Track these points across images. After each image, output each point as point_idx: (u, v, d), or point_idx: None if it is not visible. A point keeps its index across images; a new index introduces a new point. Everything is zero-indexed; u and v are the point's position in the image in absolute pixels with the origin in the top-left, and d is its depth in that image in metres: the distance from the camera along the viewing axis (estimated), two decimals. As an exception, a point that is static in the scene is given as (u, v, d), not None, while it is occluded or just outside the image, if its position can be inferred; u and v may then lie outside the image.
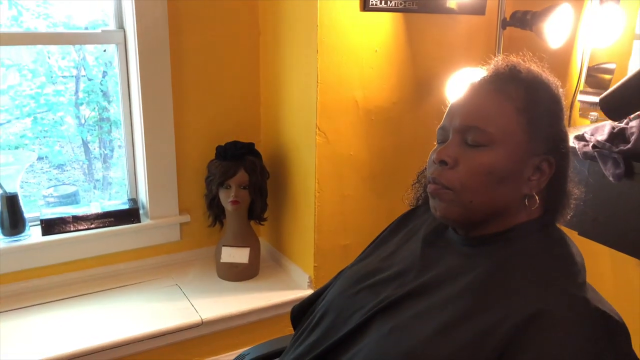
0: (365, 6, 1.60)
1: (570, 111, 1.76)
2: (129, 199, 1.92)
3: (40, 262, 1.71)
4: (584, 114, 1.75)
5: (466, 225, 0.83)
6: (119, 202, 1.89)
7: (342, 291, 0.90)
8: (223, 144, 1.79)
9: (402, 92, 1.74)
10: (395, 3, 1.65)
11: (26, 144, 1.79)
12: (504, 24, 1.70)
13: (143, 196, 1.88)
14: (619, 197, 1.28)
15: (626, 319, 0.75)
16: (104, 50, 1.80)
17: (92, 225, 1.78)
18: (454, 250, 0.84)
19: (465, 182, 0.79)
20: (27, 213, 1.73)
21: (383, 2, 1.63)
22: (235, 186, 1.74)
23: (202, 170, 1.86)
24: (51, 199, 1.97)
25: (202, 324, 1.60)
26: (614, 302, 0.77)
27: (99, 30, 1.75)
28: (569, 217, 0.85)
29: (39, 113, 1.79)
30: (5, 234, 1.68)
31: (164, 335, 1.55)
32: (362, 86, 1.67)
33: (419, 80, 1.76)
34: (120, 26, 1.77)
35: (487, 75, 0.85)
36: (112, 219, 1.81)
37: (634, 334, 0.76)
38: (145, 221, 1.86)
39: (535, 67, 0.86)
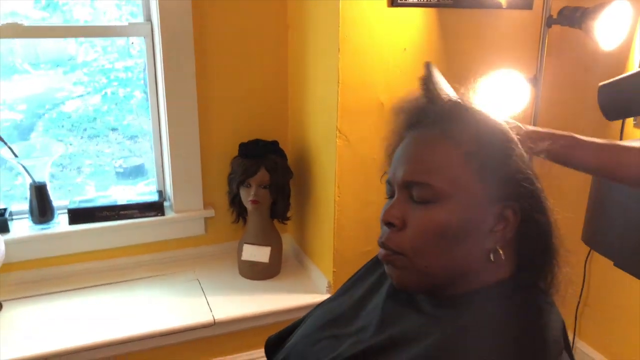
0: (393, 2, 1.49)
1: (623, 121, 1.58)
2: (157, 191, 1.94)
3: (65, 250, 1.76)
4: (638, 124, 1.57)
5: (427, 291, 0.74)
6: (149, 190, 1.91)
7: (305, 335, 0.84)
8: (247, 140, 1.76)
9: (433, 94, 1.62)
10: (428, -2, 1.53)
11: (95, 117, 1.88)
12: (549, 21, 1.54)
13: (169, 189, 1.89)
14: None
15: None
16: (132, 43, 1.79)
17: (117, 216, 1.81)
18: (417, 306, 0.75)
19: (416, 246, 0.70)
20: (101, 182, 1.80)
21: (414, -4, 1.51)
22: (255, 185, 1.70)
23: (227, 166, 1.83)
24: (120, 170, 2.02)
25: (215, 324, 1.59)
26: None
27: (125, 23, 1.75)
28: (555, 281, 0.73)
29: (110, 87, 1.87)
30: (35, 222, 1.74)
31: (174, 333, 1.56)
32: (388, 87, 1.57)
33: (452, 81, 1.63)
34: (148, 19, 1.75)
35: (428, 117, 0.74)
36: (137, 211, 1.83)
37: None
38: (169, 214, 1.87)
39: (479, 100, 0.74)
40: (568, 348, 0.71)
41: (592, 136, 0.89)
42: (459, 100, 0.74)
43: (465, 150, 0.69)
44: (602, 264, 1.31)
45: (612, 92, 0.63)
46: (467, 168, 0.69)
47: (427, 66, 0.81)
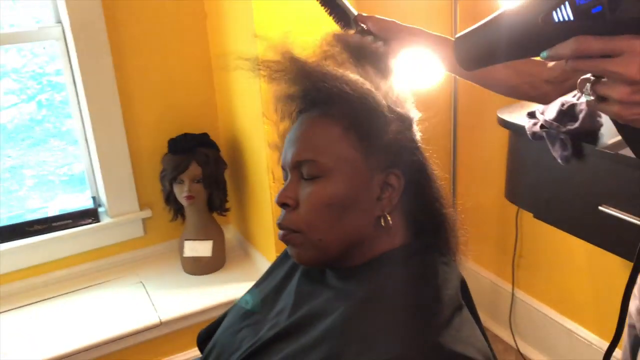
0: (304, -17, 1.50)
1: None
2: (92, 197, 1.89)
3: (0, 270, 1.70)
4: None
5: (327, 264, 0.76)
6: (84, 198, 1.86)
7: (228, 326, 0.85)
8: (177, 136, 1.73)
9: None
10: (338, -24, 1.53)
11: (33, 126, 1.80)
12: (458, -9, 1.58)
13: (102, 194, 1.84)
14: (569, 179, 1.19)
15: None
16: (44, 48, 1.73)
17: (50, 229, 1.75)
18: (328, 283, 0.77)
19: (310, 221, 0.72)
20: (46, 192, 1.72)
21: (324, -24, 1.51)
22: (188, 181, 1.69)
23: (159, 164, 1.80)
24: (66, 178, 1.94)
25: (161, 325, 1.58)
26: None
27: (35, 28, 1.68)
28: (451, 243, 0.76)
29: (44, 93, 1.79)
30: (-38, 244, 1.67)
31: (120, 339, 1.53)
32: (310, 68, 1.58)
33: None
34: (58, 21, 1.69)
35: (310, 101, 0.77)
36: (70, 221, 1.77)
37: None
38: (105, 220, 1.82)
39: (351, 72, 0.75)
40: (470, 304, 0.75)
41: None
42: (333, 81, 0.75)
43: (342, 125, 0.72)
44: (531, 216, 1.37)
45: (470, 43, 0.64)
46: (347, 142, 0.72)
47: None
